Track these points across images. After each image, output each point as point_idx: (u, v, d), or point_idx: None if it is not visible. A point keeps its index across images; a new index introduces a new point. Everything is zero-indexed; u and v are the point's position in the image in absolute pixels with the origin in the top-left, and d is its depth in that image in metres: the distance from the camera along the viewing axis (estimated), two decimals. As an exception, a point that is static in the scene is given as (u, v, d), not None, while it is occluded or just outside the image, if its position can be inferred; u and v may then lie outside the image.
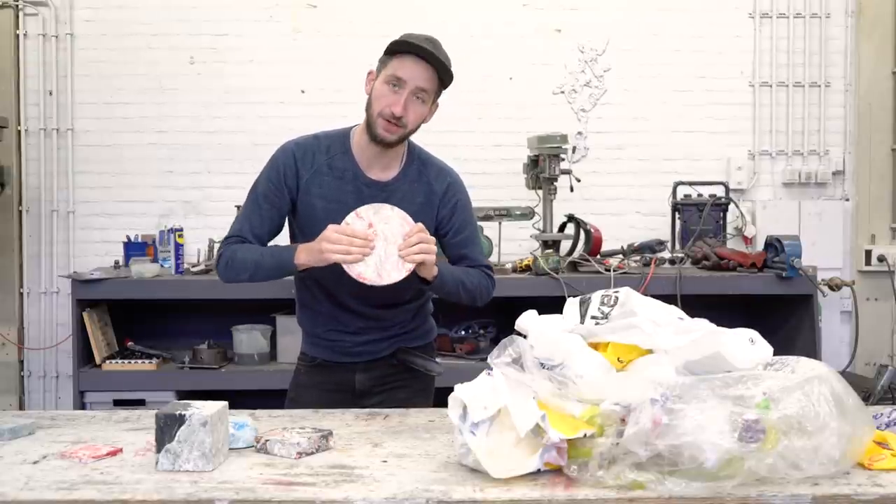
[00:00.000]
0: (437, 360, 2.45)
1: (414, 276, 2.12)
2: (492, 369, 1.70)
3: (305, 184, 2.25)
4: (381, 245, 2.08)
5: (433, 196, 2.31)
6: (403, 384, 2.39)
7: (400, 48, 2.16)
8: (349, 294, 2.28)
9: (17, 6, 4.74)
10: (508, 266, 4.25)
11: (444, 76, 2.19)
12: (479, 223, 4.17)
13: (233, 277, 2.27)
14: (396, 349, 2.37)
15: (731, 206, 4.59)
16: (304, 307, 2.40)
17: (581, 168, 4.59)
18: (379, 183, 2.27)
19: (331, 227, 2.09)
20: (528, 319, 1.84)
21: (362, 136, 2.26)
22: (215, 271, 2.32)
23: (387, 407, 2.25)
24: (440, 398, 2.01)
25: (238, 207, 4.23)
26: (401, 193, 2.27)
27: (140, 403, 3.93)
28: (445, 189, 2.32)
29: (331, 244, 2.06)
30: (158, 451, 1.66)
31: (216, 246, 4.44)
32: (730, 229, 4.65)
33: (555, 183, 4.13)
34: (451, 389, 1.71)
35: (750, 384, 1.57)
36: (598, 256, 4.11)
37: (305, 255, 2.14)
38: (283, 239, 2.38)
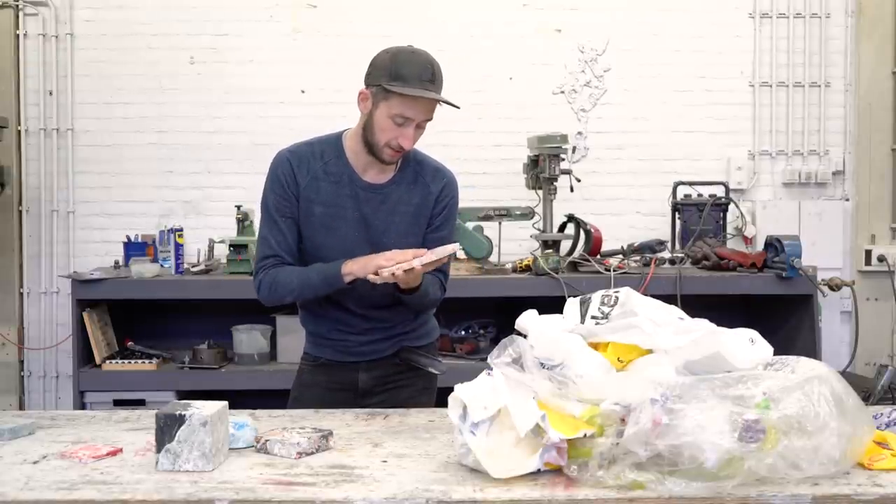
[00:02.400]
0: (440, 359, 2.45)
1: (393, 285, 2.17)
2: (492, 369, 1.70)
3: (304, 190, 2.26)
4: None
5: (429, 196, 2.32)
6: (406, 383, 2.39)
7: (405, 87, 2.11)
8: (353, 298, 2.30)
9: (17, 6, 4.74)
10: (508, 266, 4.25)
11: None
12: (480, 223, 4.19)
13: (277, 300, 2.30)
14: (400, 348, 2.38)
15: (731, 206, 4.59)
16: (307, 309, 2.40)
17: (581, 168, 4.58)
18: (375, 186, 2.28)
19: (393, 250, 2.16)
20: (528, 319, 1.84)
21: (356, 142, 2.26)
22: (257, 295, 2.31)
23: (390, 406, 2.26)
24: (440, 398, 2.01)
25: (238, 207, 4.32)
26: (396, 196, 2.29)
27: (140, 403, 3.93)
28: (441, 188, 2.33)
29: (385, 258, 2.12)
30: (158, 451, 1.66)
31: (216, 246, 4.46)
32: (730, 229, 4.65)
33: (555, 183, 4.13)
34: (451, 389, 1.71)
35: (750, 384, 1.57)
36: (598, 256, 4.11)
37: (353, 265, 2.18)
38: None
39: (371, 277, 2.12)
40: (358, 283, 2.20)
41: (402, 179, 2.30)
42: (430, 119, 2.20)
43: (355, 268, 2.17)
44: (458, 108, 2.19)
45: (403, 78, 2.11)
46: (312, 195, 2.25)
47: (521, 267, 4.16)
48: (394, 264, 2.08)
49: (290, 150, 2.30)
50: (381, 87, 2.14)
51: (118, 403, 3.92)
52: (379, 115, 2.16)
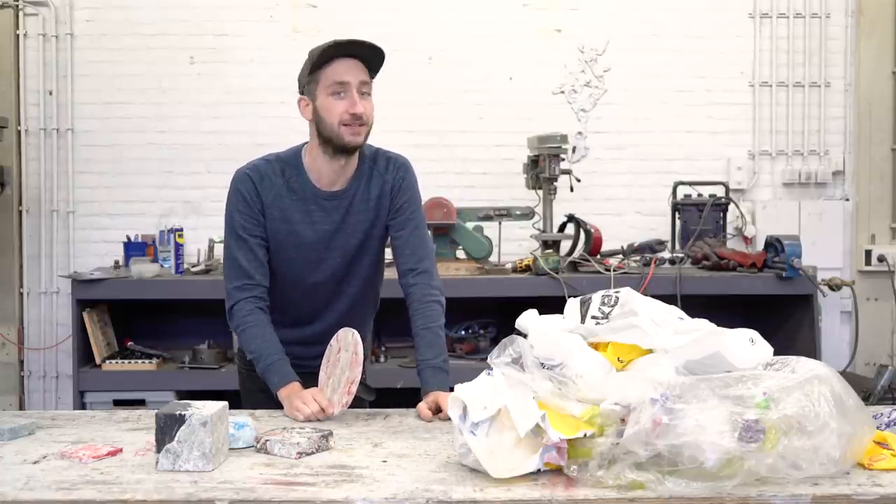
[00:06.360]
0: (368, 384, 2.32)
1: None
2: (492, 369, 1.70)
3: (268, 208, 2.27)
4: (338, 372, 2.12)
5: (385, 185, 2.32)
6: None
7: (323, 57, 2.16)
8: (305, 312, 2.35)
9: (17, 6, 4.74)
10: (508, 266, 4.25)
11: (372, 61, 2.19)
12: (480, 223, 4.19)
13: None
14: None
15: (731, 206, 4.59)
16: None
17: (581, 168, 4.58)
18: (336, 193, 2.29)
19: (309, 391, 2.10)
20: (528, 319, 1.84)
21: (316, 158, 2.27)
22: (227, 318, 2.31)
23: None
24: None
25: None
26: (358, 195, 2.30)
27: (140, 403, 3.93)
28: (395, 173, 2.33)
29: (302, 406, 2.06)
30: (158, 451, 1.66)
31: (216, 246, 4.46)
32: (730, 229, 4.65)
33: (555, 183, 4.13)
34: (450, 389, 1.71)
35: (750, 384, 1.57)
36: (598, 256, 4.12)
37: (286, 399, 2.14)
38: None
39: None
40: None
41: (359, 178, 2.31)
42: (366, 81, 2.19)
43: (285, 403, 2.13)
44: (379, 49, 2.18)
45: (319, 55, 2.17)
46: (277, 213, 2.27)
47: (521, 267, 4.16)
48: (308, 412, 2.04)
49: (249, 168, 2.31)
50: (310, 80, 2.21)
51: (118, 403, 3.92)
52: (320, 102, 2.20)
